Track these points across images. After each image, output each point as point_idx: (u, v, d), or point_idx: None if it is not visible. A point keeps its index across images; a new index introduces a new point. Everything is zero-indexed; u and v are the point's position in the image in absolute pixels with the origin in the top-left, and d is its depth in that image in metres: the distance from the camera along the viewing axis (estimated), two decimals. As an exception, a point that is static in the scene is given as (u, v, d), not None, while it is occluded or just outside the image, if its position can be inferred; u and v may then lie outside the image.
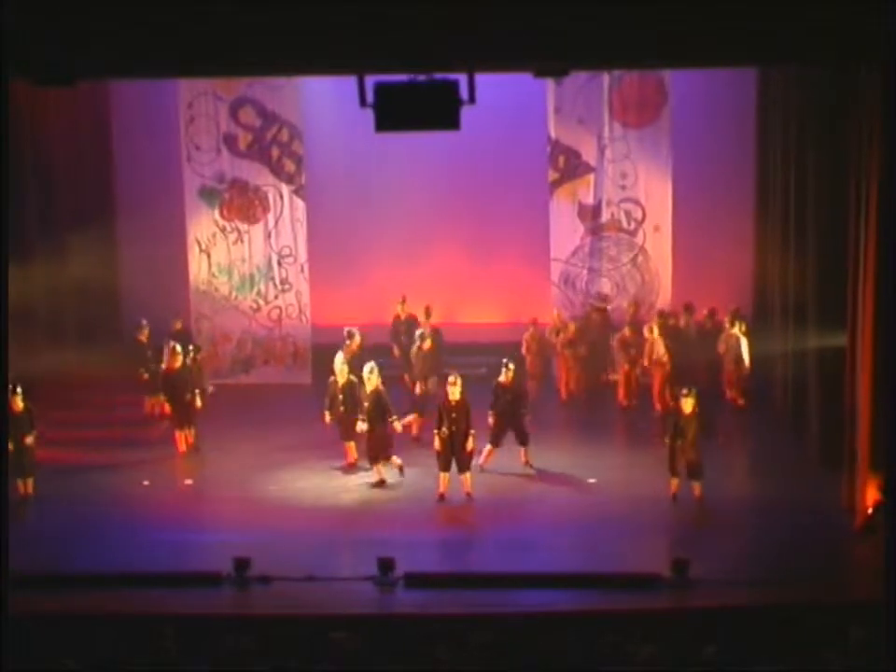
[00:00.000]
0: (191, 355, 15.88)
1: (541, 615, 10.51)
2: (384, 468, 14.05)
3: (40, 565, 11.77)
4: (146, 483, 14.37)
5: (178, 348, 15.29)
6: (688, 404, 13.20)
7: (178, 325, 17.70)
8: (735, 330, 16.72)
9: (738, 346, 16.70)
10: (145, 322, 17.39)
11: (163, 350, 15.69)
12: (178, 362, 15.26)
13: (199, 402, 15.29)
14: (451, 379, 13.70)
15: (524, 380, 15.08)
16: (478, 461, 14.14)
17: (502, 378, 14.51)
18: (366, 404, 14.12)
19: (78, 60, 8.97)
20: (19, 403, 13.64)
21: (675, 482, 13.28)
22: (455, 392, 13.57)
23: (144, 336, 17.22)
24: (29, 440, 13.63)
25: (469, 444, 13.53)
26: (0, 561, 8.81)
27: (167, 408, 15.34)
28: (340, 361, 14.96)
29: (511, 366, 14.62)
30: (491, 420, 14.47)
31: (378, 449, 14.04)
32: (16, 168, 16.62)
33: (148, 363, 16.55)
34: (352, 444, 14.70)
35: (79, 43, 8.65)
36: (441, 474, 13.55)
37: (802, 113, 14.67)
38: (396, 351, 17.92)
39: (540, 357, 17.57)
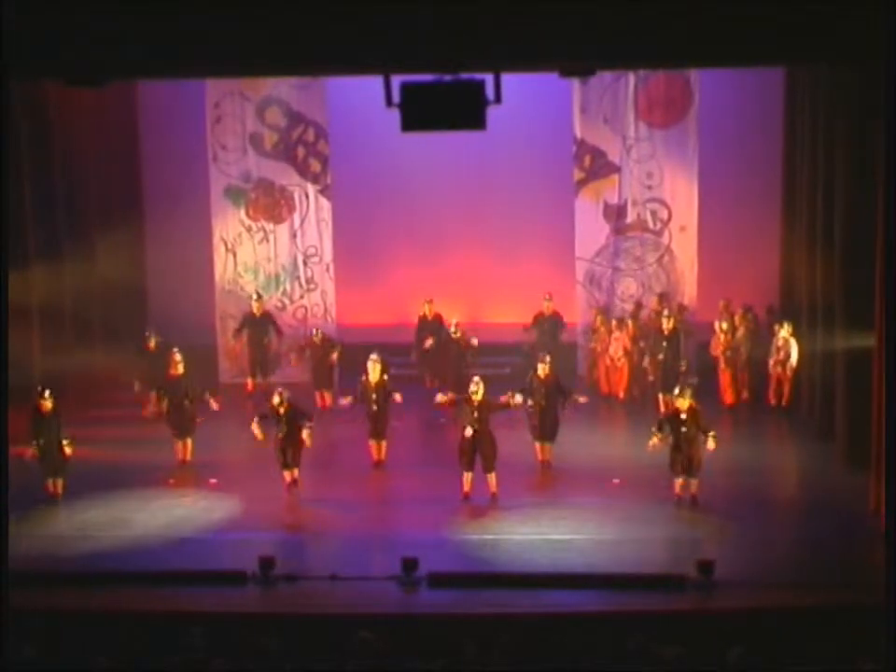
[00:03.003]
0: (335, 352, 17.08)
1: (566, 615, 10.49)
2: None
3: (68, 563, 11.86)
4: (171, 481, 14.46)
5: (179, 356, 15.05)
6: (684, 402, 13.07)
7: (153, 342, 17.04)
8: (785, 333, 16.60)
9: (788, 348, 16.60)
10: (148, 333, 17.21)
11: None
12: (180, 369, 15.03)
13: (197, 414, 14.93)
14: (474, 379, 13.67)
15: (560, 374, 14.98)
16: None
17: (539, 372, 14.48)
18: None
19: (107, 60, 9.01)
20: (48, 404, 13.64)
21: (679, 482, 13.15)
22: (477, 392, 13.54)
23: (152, 345, 17.06)
24: (64, 443, 13.63)
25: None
26: (0, 561, 8.82)
27: (167, 415, 14.99)
28: (373, 360, 14.90)
29: (549, 359, 14.60)
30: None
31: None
32: (44, 168, 16.77)
33: (147, 372, 16.47)
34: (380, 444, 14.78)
35: (108, 43, 8.69)
36: (466, 474, 13.54)
37: (829, 112, 14.59)
38: (414, 353, 17.95)
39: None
